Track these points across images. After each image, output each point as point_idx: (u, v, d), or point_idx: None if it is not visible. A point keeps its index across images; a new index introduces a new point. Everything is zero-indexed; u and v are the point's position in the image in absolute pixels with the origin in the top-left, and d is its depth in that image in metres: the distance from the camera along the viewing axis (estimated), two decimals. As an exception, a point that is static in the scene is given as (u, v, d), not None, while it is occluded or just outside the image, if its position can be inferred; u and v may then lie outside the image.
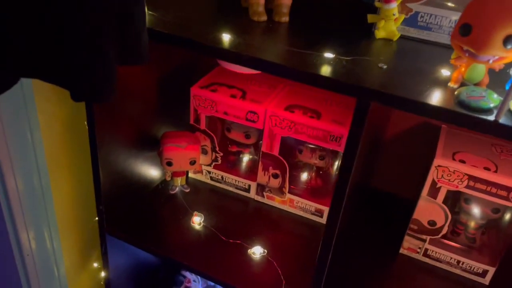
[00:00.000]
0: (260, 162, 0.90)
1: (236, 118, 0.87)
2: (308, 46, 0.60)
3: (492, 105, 0.46)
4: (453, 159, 0.74)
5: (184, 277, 1.13)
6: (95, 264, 1.06)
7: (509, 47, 0.46)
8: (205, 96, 0.88)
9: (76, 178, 0.97)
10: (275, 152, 0.87)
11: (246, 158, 0.95)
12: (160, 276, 1.10)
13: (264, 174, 0.91)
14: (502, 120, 0.45)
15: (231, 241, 0.84)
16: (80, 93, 0.54)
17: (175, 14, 0.69)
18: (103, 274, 0.92)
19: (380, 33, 0.63)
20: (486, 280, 0.80)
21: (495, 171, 0.72)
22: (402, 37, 0.65)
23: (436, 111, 0.47)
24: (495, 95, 0.47)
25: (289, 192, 0.91)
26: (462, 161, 0.74)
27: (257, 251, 0.82)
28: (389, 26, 0.63)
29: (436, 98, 0.49)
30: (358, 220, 0.92)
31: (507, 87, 0.51)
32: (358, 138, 0.52)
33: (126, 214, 0.89)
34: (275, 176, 0.90)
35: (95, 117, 0.73)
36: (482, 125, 0.45)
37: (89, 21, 0.49)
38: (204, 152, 0.94)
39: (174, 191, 0.93)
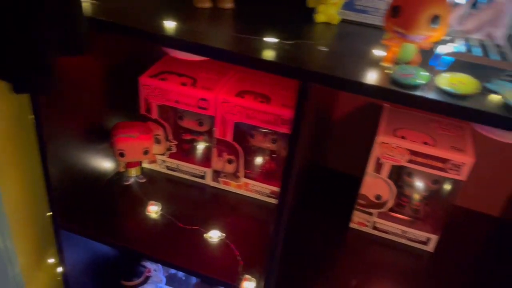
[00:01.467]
0: (214, 149, 0.92)
1: (187, 106, 0.88)
2: (252, 31, 0.61)
3: (421, 81, 0.50)
4: (395, 135, 0.79)
5: (145, 267, 1.13)
6: (52, 260, 1.04)
7: (435, 26, 0.49)
8: (154, 85, 0.87)
9: (25, 174, 0.94)
10: (229, 138, 0.89)
11: (200, 146, 0.96)
12: (120, 268, 1.10)
13: (219, 160, 0.93)
14: (429, 95, 0.49)
15: (188, 227, 0.85)
16: (20, 85, 0.53)
17: (118, 3, 0.68)
18: (60, 269, 0.91)
19: (320, 17, 0.66)
20: (431, 248, 0.86)
21: (434, 145, 0.77)
22: (342, 21, 0.68)
23: (371, 89, 0.50)
24: (424, 73, 0.51)
25: (244, 177, 0.93)
26: (403, 137, 0.78)
27: (214, 235, 0.84)
28: (329, 10, 0.65)
29: (372, 77, 0.52)
30: (311, 198, 0.96)
31: (430, 63, 0.55)
32: (301, 119, 0.55)
33: (80, 208, 0.88)
34: (230, 161, 0.92)
35: (41, 110, 0.72)
36: (412, 100, 0.49)
37: (24, 11, 0.48)
38: (157, 141, 0.94)
39: (129, 182, 0.93)
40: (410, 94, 0.48)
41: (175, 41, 0.58)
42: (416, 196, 0.87)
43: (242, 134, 0.90)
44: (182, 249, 0.82)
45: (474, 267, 0.85)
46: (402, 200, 0.89)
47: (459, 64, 0.53)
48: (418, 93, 0.49)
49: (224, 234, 0.84)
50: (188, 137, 0.96)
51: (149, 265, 1.12)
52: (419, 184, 0.85)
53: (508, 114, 0.47)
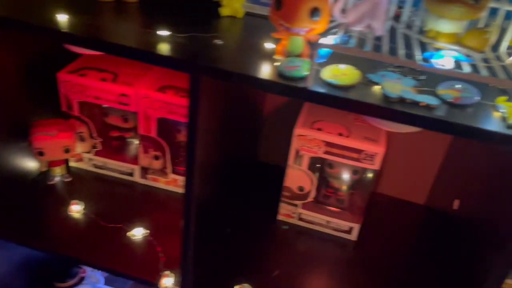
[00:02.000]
0: (140, 145, 0.91)
1: (108, 102, 0.86)
2: (154, 25, 0.61)
3: (305, 73, 0.51)
4: (312, 127, 0.80)
5: (80, 267, 1.11)
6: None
7: (315, 19, 0.50)
8: (73, 81, 0.85)
9: None
10: (153, 134, 0.88)
11: (128, 142, 0.94)
12: (54, 269, 1.07)
13: (146, 157, 0.92)
14: (312, 87, 0.50)
15: (111, 225, 0.84)
16: None
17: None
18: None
19: (225, 11, 0.66)
20: (353, 236, 0.88)
21: (348, 136, 0.79)
22: (247, 14, 0.68)
23: (257, 81, 0.51)
24: (310, 65, 0.52)
25: (173, 172, 0.93)
26: (320, 129, 0.80)
27: (138, 233, 0.83)
28: (233, 3, 0.65)
29: (260, 70, 0.52)
30: (242, 192, 0.97)
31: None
32: (195, 111, 0.55)
33: (2, 209, 0.85)
34: (157, 157, 0.91)
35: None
36: (295, 92, 0.49)
37: None
38: (81, 139, 0.92)
39: (53, 182, 0.91)
40: (293, 86, 0.49)
41: (69, 36, 0.57)
42: (340, 187, 0.89)
43: (168, 129, 0.89)
44: (105, 248, 0.81)
45: (397, 254, 0.87)
46: (327, 191, 0.90)
47: (347, 56, 0.54)
48: (301, 85, 0.49)
49: (148, 231, 0.84)
50: (115, 134, 0.94)
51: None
52: (340, 174, 0.86)
53: (385, 104, 0.48)
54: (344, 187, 0.88)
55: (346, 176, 0.85)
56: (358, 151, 0.78)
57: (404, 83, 0.51)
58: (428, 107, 0.48)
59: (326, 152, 0.80)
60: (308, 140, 0.79)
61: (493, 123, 0.47)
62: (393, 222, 0.94)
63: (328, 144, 0.79)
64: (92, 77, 0.86)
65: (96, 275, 1.13)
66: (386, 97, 0.48)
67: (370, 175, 0.82)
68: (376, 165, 0.78)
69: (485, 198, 0.71)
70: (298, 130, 0.79)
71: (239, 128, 0.86)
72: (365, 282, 0.81)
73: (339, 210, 0.89)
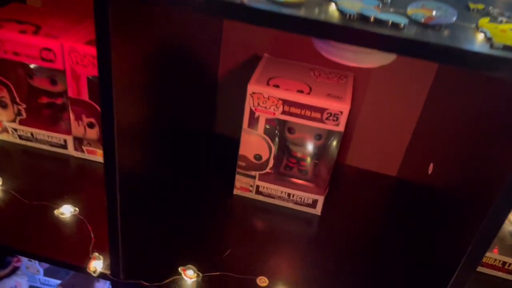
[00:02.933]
0: (70, 111, 0.78)
1: (29, 59, 0.73)
2: None
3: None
4: (267, 84, 0.69)
5: (15, 256, 0.98)
6: None
7: None
8: (-14, 34, 0.73)
9: None
10: (84, 96, 0.76)
11: (59, 109, 0.82)
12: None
13: (78, 125, 0.79)
14: (255, 4, 0.39)
15: (35, 203, 0.72)
16: None
17: None
18: None
19: None
20: (318, 210, 0.79)
21: (309, 93, 0.69)
22: None
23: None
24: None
25: (112, 143, 0.81)
26: (276, 86, 0.69)
27: (66, 211, 0.71)
28: None
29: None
30: (192, 164, 0.86)
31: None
32: (105, 52, 0.44)
33: None
34: (91, 125, 0.79)
35: None
36: (231, 10, 0.39)
37: None
38: (3, 105, 0.80)
39: (-31, 155, 0.78)
40: (228, 2, 0.38)
41: None
42: (302, 156, 0.79)
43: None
44: (28, 230, 0.69)
45: (366, 228, 0.78)
46: (289, 161, 0.80)
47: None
48: (238, 1, 0.39)
49: (77, 209, 0.72)
50: (44, 100, 0.81)
51: (18, 254, 0.97)
52: (302, 141, 0.76)
53: (342, 23, 0.38)
54: (307, 156, 0.78)
55: (308, 142, 0.75)
56: (320, 109, 0.67)
57: (366, 2, 0.41)
58: (395, 26, 0.38)
59: (285, 113, 0.69)
60: (264, 99, 0.68)
61: (475, 44, 0.37)
62: (362, 195, 0.85)
63: (287, 102, 0.68)
64: (10, 29, 0.73)
65: (34, 265, 1.01)
66: (343, 15, 0.38)
67: (334, 141, 0.73)
68: (341, 127, 0.68)
69: (460, 165, 0.63)
70: (251, 87, 0.68)
71: (185, 90, 0.75)
72: (330, 259, 0.71)
73: (302, 182, 0.79)
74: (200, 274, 0.64)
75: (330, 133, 0.72)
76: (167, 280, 0.63)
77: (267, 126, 0.72)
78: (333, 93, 0.69)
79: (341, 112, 0.67)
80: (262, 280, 0.64)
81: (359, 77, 0.81)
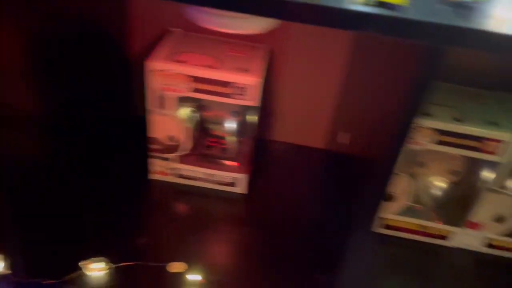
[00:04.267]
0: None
1: None
2: None
3: None
4: (172, 60, 0.65)
5: None
6: None
7: None
8: None
9: None
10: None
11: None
12: None
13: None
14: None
15: None
16: None
17: None
18: None
19: None
20: (242, 189, 0.76)
21: (218, 68, 0.65)
22: None
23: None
24: None
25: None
26: (183, 62, 0.65)
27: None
28: None
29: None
30: (112, 152, 0.80)
31: None
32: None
33: None
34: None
35: None
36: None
37: None
38: None
39: None
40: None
41: None
42: (222, 134, 0.76)
43: None
44: None
45: (294, 205, 0.76)
46: (209, 140, 0.77)
47: None
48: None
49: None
50: None
51: None
52: (219, 118, 0.73)
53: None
54: (228, 134, 0.76)
55: (226, 119, 0.72)
56: (230, 84, 0.64)
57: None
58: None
59: (196, 90, 0.66)
60: (170, 76, 0.64)
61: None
62: (290, 170, 0.83)
63: (196, 79, 0.65)
64: None
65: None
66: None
67: (253, 116, 0.70)
68: (254, 101, 0.66)
69: (374, 133, 0.62)
70: (151, 64, 0.64)
71: (92, 71, 0.69)
72: (257, 239, 0.69)
73: (224, 161, 0.76)
74: (112, 265, 0.61)
75: (246, 109, 0.69)
76: (71, 275, 0.59)
77: (182, 105, 0.68)
78: (243, 66, 0.65)
79: (250, 86, 0.64)
80: (178, 266, 0.61)
81: (279, 50, 0.78)
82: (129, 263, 0.61)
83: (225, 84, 0.64)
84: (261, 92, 0.66)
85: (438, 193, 0.71)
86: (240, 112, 0.70)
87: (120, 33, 0.78)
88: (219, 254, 0.66)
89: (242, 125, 0.73)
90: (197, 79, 0.64)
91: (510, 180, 0.63)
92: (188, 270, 0.61)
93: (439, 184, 0.71)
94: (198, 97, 0.66)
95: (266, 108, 0.84)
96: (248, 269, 0.65)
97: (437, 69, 0.37)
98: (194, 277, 0.60)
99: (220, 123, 0.74)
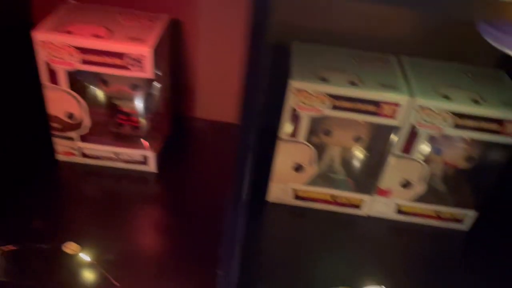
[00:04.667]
0: None
1: None
2: None
3: None
4: (57, 31, 0.61)
5: None
6: None
7: None
8: None
9: None
10: None
11: None
12: None
13: None
14: None
15: None
16: None
17: None
18: None
19: None
20: (153, 167, 0.73)
21: (107, 38, 0.61)
22: None
23: None
24: None
25: None
26: (68, 32, 0.62)
27: None
28: None
29: None
30: (16, 131, 0.76)
31: None
32: None
33: None
34: None
35: None
36: None
37: None
38: None
39: None
40: None
41: None
42: (131, 110, 0.73)
43: None
44: None
45: (208, 181, 0.74)
46: (118, 117, 0.74)
47: None
48: None
49: None
50: None
51: None
52: (121, 93, 0.69)
53: None
54: (136, 110, 0.72)
55: (128, 94, 0.69)
56: (121, 55, 0.61)
57: None
58: None
59: (86, 62, 0.62)
60: (55, 47, 0.60)
61: None
62: (204, 147, 0.80)
63: (84, 51, 0.61)
64: None
65: None
66: None
67: (156, 91, 0.67)
68: (148, 73, 0.63)
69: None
70: (36, 35, 0.60)
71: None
72: (166, 218, 0.67)
73: (133, 139, 0.73)
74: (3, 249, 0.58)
75: (146, 82, 0.66)
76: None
77: (78, 79, 0.65)
78: (136, 36, 0.62)
79: (143, 56, 0.61)
80: (72, 247, 0.59)
81: (187, 21, 0.75)
82: (17, 246, 0.59)
83: (118, 55, 0.61)
84: (155, 63, 0.62)
85: (348, 161, 0.70)
86: (139, 85, 0.67)
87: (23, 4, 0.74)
88: (120, 234, 0.63)
89: (150, 100, 0.71)
90: (84, 51, 0.60)
91: (413, 144, 0.62)
92: (83, 251, 0.59)
93: (347, 152, 0.70)
94: (90, 70, 0.63)
95: (179, 83, 0.81)
96: (155, 249, 0.63)
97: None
98: (86, 257, 0.58)
99: (123, 98, 0.71)
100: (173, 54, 0.76)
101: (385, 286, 0.59)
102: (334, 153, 0.70)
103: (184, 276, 0.58)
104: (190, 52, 0.79)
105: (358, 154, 0.70)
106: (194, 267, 0.59)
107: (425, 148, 0.63)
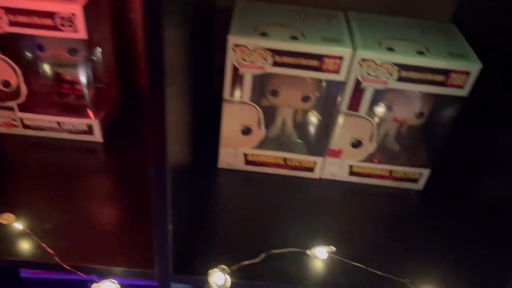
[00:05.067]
0: None
1: None
2: None
3: None
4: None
5: None
6: None
7: None
8: None
9: None
10: None
11: None
12: None
13: None
14: None
15: None
16: None
17: None
18: None
19: None
20: (98, 137, 0.71)
21: (37, -2, 0.59)
22: None
23: None
24: None
25: None
26: (-6, -8, 0.59)
27: None
28: None
29: None
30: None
31: None
32: None
33: None
34: None
35: None
36: None
37: None
38: None
39: None
40: None
41: None
42: (74, 78, 0.70)
43: None
44: None
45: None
46: (62, 87, 0.71)
47: None
48: None
49: None
50: None
51: None
52: (59, 59, 0.65)
53: None
54: (80, 78, 0.69)
55: (65, 59, 0.66)
56: (50, 14, 0.57)
57: None
58: None
59: (13, 24, 0.58)
60: (-21, 9, 0.57)
61: None
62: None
63: (10, 11, 0.57)
64: None
65: None
66: None
67: (95, 55, 0.64)
68: (81, 33, 0.60)
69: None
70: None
71: None
72: (112, 188, 0.65)
73: (78, 108, 0.70)
74: None
75: (84, 46, 0.63)
76: None
77: (11, 44, 0.61)
78: (67, -6, 0.59)
79: (74, 15, 0.58)
80: (4, 217, 0.56)
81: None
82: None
83: (48, 15, 0.57)
84: (90, 24, 0.59)
85: (300, 123, 0.68)
86: (78, 49, 0.64)
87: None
88: (60, 204, 0.60)
89: (93, 67, 0.68)
90: (11, 11, 0.57)
91: (361, 100, 0.60)
92: (18, 221, 0.56)
93: (299, 114, 0.68)
94: (19, 32, 0.59)
95: (126, 50, 0.79)
96: (95, 218, 0.60)
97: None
98: (20, 226, 0.55)
99: (67, 65, 0.67)
100: (119, 19, 0.73)
101: (340, 247, 0.57)
102: (285, 115, 0.68)
103: (124, 244, 0.56)
104: (138, 17, 0.76)
105: (310, 115, 0.68)
106: (134, 235, 0.57)
107: (373, 105, 0.62)
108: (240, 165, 0.68)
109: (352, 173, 0.68)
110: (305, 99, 0.64)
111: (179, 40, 0.43)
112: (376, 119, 0.63)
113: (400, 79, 0.57)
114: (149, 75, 0.37)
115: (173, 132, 0.44)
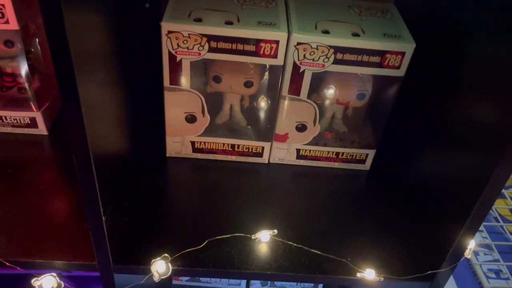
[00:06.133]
0: None
1: None
2: None
3: None
4: None
5: None
6: None
7: None
8: None
9: None
10: None
11: None
12: None
13: None
14: None
15: None
16: None
17: None
18: None
19: None
20: (42, 130, 0.70)
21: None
22: None
23: None
24: None
25: None
26: None
27: None
28: None
29: None
30: None
31: None
32: None
33: None
34: None
35: None
36: None
37: None
38: None
39: None
40: None
41: None
42: (14, 71, 0.68)
43: None
44: None
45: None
46: (4, 80, 0.69)
47: None
48: None
49: None
50: None
51: None
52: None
53: None
54: (21, 70, 0.67)
55: (3, 52, 0.64)
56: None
57: None
58: None
59: None
60: None
61: None
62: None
63: None
64: None
65: None
66: None
67: (36, 47, 0.63)
68: (13, 24, 0.58)
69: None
70: None
71: None
72: (56, 180, 0.64)
73: (22, 101, 0.69)
74: None
75: (19, 37, 0.61)
76: None
77: None
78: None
79: (3, 6, 0.56)
80: None
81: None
82: None
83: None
84: (21, 14, 0.57)
85: (247, 109, 0.68)
86: (14, 41, 0.62)
87: None
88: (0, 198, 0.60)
89: (33, 59, 0.66)
90: None
91: (301, 84, 0.60)
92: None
93: (246, 100, 0.68)
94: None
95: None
96: (37, 211, 0.59)
97: None
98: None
99: (6, 58, 0.65)
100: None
101: (286, 229, 0.58)
102: (233, 101, 0.68)
103: (67, 237, 0.56)
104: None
105: (259, 101, 0.68)
106: (78, 228, 0.57)
107: (314, 88, 0.62)
108: (188, 153, 0.68)
109: (300, 156, 0.69)
110: (248, 84, 0.64)
111: (96, 26, 0.43)
112: (319, 102, 0.64)
113: (337, 61, 0.57)
114: (54, 62, 0.36)
115: (96, 121, 0.43)
